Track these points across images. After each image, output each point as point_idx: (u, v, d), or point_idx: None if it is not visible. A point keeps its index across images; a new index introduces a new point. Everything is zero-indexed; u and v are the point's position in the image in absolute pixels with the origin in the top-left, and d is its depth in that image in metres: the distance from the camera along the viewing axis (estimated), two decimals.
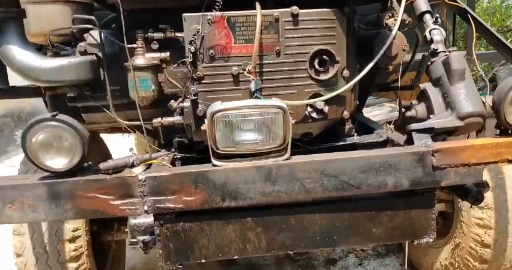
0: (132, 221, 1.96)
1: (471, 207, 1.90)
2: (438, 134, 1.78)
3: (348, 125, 2.06)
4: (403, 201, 1.80)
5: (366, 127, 2.24)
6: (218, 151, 1.67)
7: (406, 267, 3.17)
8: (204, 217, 1.73)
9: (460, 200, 2.81)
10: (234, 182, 1.64)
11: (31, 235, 2.52)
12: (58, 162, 1.60)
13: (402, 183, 1.69)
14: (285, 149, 1.69)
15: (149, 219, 1.85)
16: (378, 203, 1.79)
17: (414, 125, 1.76)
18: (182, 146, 2.03)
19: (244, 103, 1.61)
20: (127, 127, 1.90)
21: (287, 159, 1.68)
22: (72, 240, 2.56)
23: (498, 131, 1.83)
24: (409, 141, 1.79)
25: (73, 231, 2.57)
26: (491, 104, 1.78)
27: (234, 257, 1.76)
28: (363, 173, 1.66)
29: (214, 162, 1.67)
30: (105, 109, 1.87)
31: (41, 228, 2.52)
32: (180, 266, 1.77)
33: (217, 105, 1.61)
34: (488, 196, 2.68)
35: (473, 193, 1.89)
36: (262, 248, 1.76)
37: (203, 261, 1.75)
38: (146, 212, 1.64)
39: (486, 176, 2.69)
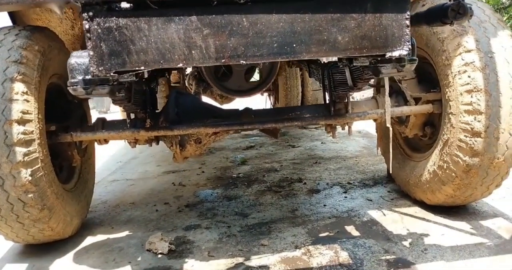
0: (72, 60, 1.76)
1: (451, 24, 1.65)
2: None
3: None
4: (372, 2, 1.56)
5: None
6: None
7: (390, 171, 2.91)
8: (141, 13, 1.50)
9: (447, 89, 2.60)
10: None
11: None
12: None
13: None
14: None
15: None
16: (344, 3, 1.56)
17: None
18: None
19: None
20: None
21: None
22: (21, 122, 2.35)
23: None
24: None
25: (23, 112, 2.36)
26: None
27: (179, 65, 1.52)
28: None
29: None
30: None
31: None
32: (116, 75, 1.53)
33: None
34: (477, 77, 2.46)
35: (452, 6, 1.66)
36: (210, 56, 1.53)
37: (142, 68, 1.52)
38: None
39: (474, 56, 2.47)
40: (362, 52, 1.57)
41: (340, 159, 4.69)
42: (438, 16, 1.74)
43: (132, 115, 2.85)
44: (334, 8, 1.54)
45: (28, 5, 1.47)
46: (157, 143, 3.02)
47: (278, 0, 1.51)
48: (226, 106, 3.76)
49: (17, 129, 2.32)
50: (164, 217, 3.27)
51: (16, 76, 2.36)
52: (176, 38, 1.50)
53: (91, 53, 1.48)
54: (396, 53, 1.58)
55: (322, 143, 5.66)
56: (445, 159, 2.68)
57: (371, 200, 3.31)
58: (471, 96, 2.48)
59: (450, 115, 2.61)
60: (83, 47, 3.69)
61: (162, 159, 5.40)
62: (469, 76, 2.48)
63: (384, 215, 3.00)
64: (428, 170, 2.87)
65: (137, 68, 1.50)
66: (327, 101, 2.98)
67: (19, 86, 2.37)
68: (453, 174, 2.64)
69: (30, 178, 2.36)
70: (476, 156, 2.51)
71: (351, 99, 2.84)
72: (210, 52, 1.52)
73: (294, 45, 1.54)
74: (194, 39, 1.50)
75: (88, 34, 1.47)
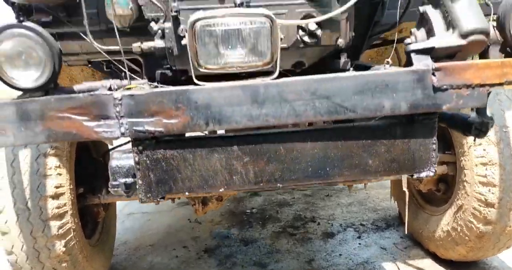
0: (113, 163, 1.85)
1: (474, 140, 1.77)
2: (438, 57, 1.65)
3: (344, 59, 1.93)
4: (401, 129, 1.67)
5: (362, 66, 2.11)
6: (200, 69, 1.55)
7: (406, 232, 3.03)
8: (187, 144, 1.61)
9: (462, 158, 2.69)
10: (218, 103, 1.51)
11: (12, 190, 2.40)
12: (27, 77, 1.48)
13: (400, 106, 1.57)
14: (273, 68, 1.56)
15: (131, 161, 1.74)
16: (375, 130, 1.66)
17: (412, 46, 1.64)
18: (165, 79, 1.91)
19: (228, 11, 1.49)
20: (105, 54, 1.77)
21: (275, 79, 1.56)
22: (55, 196, 2.44)
23: (503, 56, 1.71)
24: (408, 64, 1.66)
25: (56, 187, 2.45)
26: (495, 26, 1.66)
27: (220, 190, 1.63)
28: (358, 94, 1.54)
29: (196, 81, 1.55)
30: (82, 35, 1.74)
31: (22, 183, 2.40)
32: (162, 199, 1.64)
33: (199, 14, 1.48)
34: (492, 151, 2.56)
35: (476, 125, 1.76)
36: (250, 181, 1.64)
37: (187, 194, 1.62)
38: (122, 134, 1.51)
39: (489, 131, 2.55)
40: (391, 174, 1.67)
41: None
42: (461, 126, 1.84)
43: None
44: (365, 135, 1.64)
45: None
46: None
47: (312, 130, 1.61)
48: None
49: (51, 204, 2.42)
50: (185, 264, 3.39)
51: (49, 151, 2.46)
52: (219, 166, 1.60)
53: (140, 182, 1.59)
54: (423, 175, 1.68)
55: None
56: (459, 223, 2.78)
57: (385, 249, 3.42)
58: (486, 169, 2.58)
59: (465, 183, 2.71)
60: None
61: None
62: (484, 150, 2.58)
63: (399, 268, 3.11)
64: (442, 229, 2.98)
65: (181, 194, 1.60)
66: None
67: (52, 161, 2.46)
68: (467, 238, 2.75)
69: (64, 249, 2.48)
70: (489, 224, 2.62)
71: None
72: (250, 177, 1.62)
73: (328, 169, 1.64)
74: (235, 166, 1.61)
75: (138, 166, 1.58)
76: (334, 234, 3.75)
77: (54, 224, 2.43)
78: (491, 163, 2.56)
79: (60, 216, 2.46)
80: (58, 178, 2.48)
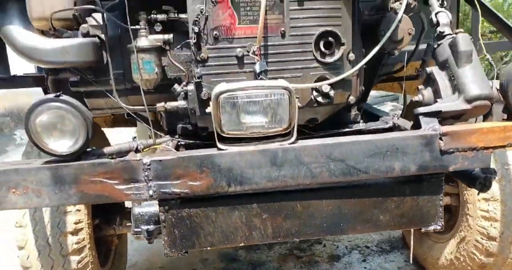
0: (136, 210, 1.95)
1: (478, 194, 1.88)
2: (445, 118, 1.76)
3: (354, 112, 2.05)
4: (410, 187, 1.78)
5: (371, 115, 2.22)
6: (223, 135, 1.66)
7: (411, 262, 3.14)
8: (209, 203, 1.72)
9: (465, 192, 2.80)
10: (240, 167, 1.62)
11: (33, 227, 2.50)
12: (62, 145, 1.58)
13: (409, 168, 1.67)
14: (291, 133, 1.67)
15: (153, 208, 1.84)
16: (385, 189, 1.78)
17: (421, 109, 1.75)
18: (186, 133, 2.02)
19: (250, 84, 1.60)
20: (130, 113, 1.88)
21: (293, 143, 1.67)
22: (75, 232, 2.54)
23: (505, 116, 1.81)
24: (416, 125, 1.77)
25: (75, 223, 2.55)
26: (498, 88, 1.76)
27: (240, 245, 1.74)
28: (370, 157, 1.64)
29: (220, 145, 1.66)
30: (108, 94, 1.85)
31: (43, 220, 2.50)
32: (186, 254, 1.74)
33: (222, 86, 1.59)
34: (494, 187, 2.66)
35: (481, 180, 1.87)
36: (268, 235, 1.75)
37: (209, 248, 1.73)
38: (151, 197, 1.62)
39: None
40: (401, 227, 1.78)
41: None
42: (466, 179, 1.94)
43: None
44: (377, 193, 1.75)
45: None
46: None
47: (327, 188, 1.72)
48: None
49: (71, 240, 2.52)
50: None
51: None
52: (239, 222, 1.71)
53: (165, 238, 1.70)
54: (431, 228, 1.80)
55: None
56: (462, 253, 2.90)
57: None
58: (488, 204, 2.69)
59: (468, 216, 2.82)
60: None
61: None
62: None
63: None
64: (446, 257, 3.09)
65: (203, 248, 1.71)
66: None
67: None
68: (469, 268, 2.86)
69: None
70: (491, 256, 2.74)
71: None
72: (268, 232, 1.74)
73: (341, 224, 1.76)
74: (255, 222, 1.72)
75: (163, 224, 1.69)
76: (340, 256, 3.85)
77: (74, 259, 2.53)
78: (493, 198, 2.67)
79: (79, 251, 2.56)
80: (77, 214, 2.58)
